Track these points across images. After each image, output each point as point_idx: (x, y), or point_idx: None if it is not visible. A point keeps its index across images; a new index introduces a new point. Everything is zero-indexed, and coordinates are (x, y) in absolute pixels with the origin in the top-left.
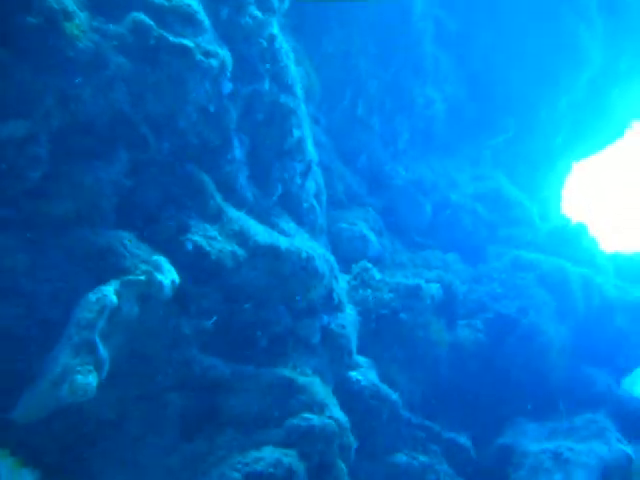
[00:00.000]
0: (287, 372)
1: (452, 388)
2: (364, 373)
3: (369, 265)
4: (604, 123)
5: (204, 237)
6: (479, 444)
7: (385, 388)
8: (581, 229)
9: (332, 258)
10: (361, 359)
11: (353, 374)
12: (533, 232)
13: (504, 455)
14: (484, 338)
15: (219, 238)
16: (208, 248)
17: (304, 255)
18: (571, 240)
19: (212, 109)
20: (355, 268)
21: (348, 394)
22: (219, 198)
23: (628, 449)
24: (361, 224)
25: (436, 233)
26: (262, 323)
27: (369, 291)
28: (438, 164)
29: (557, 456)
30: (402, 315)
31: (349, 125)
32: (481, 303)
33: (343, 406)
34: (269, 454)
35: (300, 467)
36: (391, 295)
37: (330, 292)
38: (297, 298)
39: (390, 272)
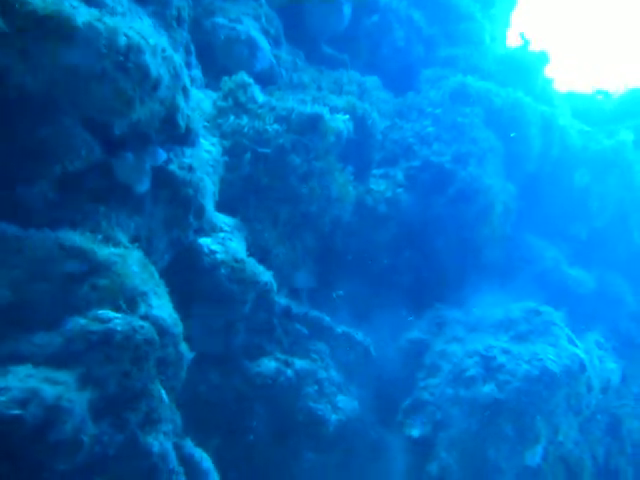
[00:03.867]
0: (80, 238)
1: (354, 263)
2: (224, 241)
3: (249, 80)
4: None
5: None
6: (385, 340)
7: (253, 264)
8: (541, 58)
9: (179, 58)
10: (222, 219)
11: (205, 242)
12: (481, 55)
13: (415, 355)
14: (405, 196)
15: None
16: None
17: (122, 42)
18: (528, 71)
19: None
20: (227, 82)
21: (194, 274)
22: None
23: (581, 352)
24: (249, 23)
25: (355, 46)
26: (41, 153)
27: (245, 119)
28: None
29: (487, 361)
30: (292, 157)
31: None
32: (406, 146)
33: (184, 294)
34: (19, 381)
35: (78, 402)
36: (278, 127)
37: (172, 112)
38: (111, 117)
39: (282, 95)
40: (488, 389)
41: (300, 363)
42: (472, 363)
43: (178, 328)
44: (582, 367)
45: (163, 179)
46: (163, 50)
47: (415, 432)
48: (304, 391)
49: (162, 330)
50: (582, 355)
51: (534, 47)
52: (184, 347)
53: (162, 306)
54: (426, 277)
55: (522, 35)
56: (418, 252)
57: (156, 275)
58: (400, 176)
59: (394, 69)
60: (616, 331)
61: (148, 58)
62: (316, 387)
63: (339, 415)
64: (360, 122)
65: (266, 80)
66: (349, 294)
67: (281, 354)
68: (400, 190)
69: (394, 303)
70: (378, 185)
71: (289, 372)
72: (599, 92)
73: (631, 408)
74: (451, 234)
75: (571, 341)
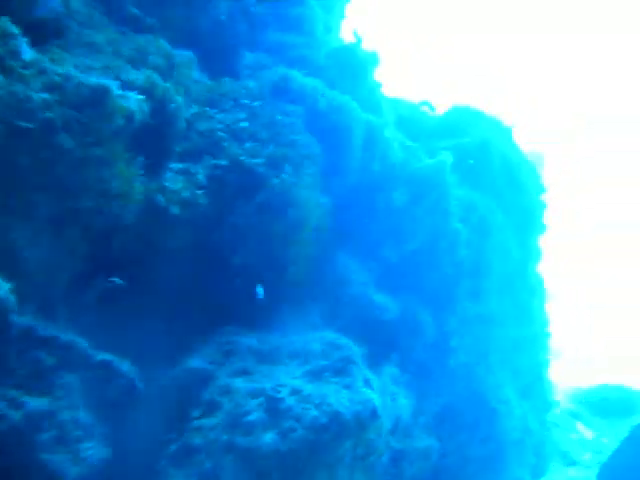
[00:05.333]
0: None
1: (135, 274)
2: None
3: (13, 30)
4: None
5: None
6: (160, 369)
7: None
8: (371, 59)
9: None
10: None
11: None
12: (312, 47)
13: (193, 388)
14: (206, 199)
15: None
16: None
17: None
18: (357, 71)
19: None
20: None
21: None
22: None
23: (375, 398)
24: None
25: (169, 11)
26: None
27: (1, 78)
28: None
29: (273, 403)
30: (63, 137)
31: None
32: (214, 141)
33: None
34: None
35: None
36: (47, 96)
37: None
38: None
39: (61, 55)
40: (269, 438)
41: (36, 403)
42: (255, 405)
43: None
44: (374, 414)
45: None
46: None
47: None
48: (38, 438)
49: None
50: (376, 401)
51: (366, 46)
52: None
53: None
54: (222, 295)
55: (355, 32)
56: (215, 265)
57: None
58: (202, 175)
59: (213, 47)
60: (413, 360)
61: None
62: (54, 432)
63: (82, 467)
64: (160, 105)
65: (50, 32)
66: (120, 312)
67: (13, 390)
68: (200, 192)
69: (179, 324)
70: (175, 183)
71: (17, 416)
72: (424, 103)
73: (414, 441)
74: (254, 248)
75: (367, 383)
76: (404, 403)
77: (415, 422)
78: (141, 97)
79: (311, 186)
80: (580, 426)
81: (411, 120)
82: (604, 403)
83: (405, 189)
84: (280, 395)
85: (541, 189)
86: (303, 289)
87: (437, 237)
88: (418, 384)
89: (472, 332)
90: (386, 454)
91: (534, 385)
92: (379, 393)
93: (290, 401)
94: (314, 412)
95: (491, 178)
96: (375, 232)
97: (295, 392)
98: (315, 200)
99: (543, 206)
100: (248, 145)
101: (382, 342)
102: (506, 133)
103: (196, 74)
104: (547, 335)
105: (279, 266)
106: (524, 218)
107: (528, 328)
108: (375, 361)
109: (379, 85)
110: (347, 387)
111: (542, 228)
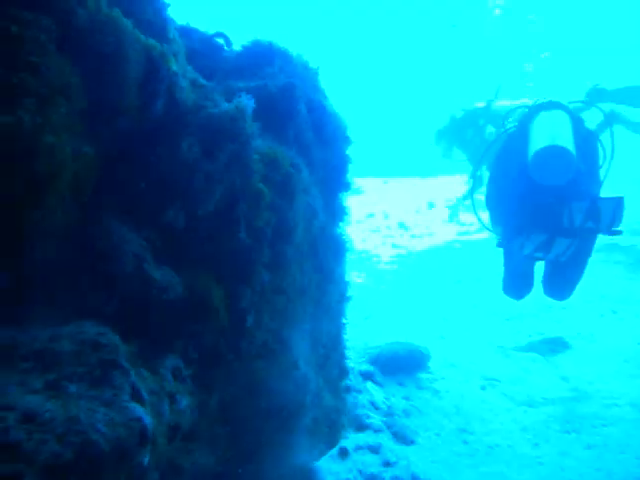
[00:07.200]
0: None
1: None
2: None
3: None
4: None
5: None
6: None
7: None
8: None
9: None
10: None
11: None
12: None
13: None
14: None
15: None
16: None
17: None
18: None
19: None
20: None
21: None
22: None
23: (145, 415)
24: None
25: None
26: None
27: None
28: None
29: None
30: None
31: None
32: None
33: None
34: None
35: None
36: None
37: None
38: None
39: None
40: None
41: None
42: None
43: None
44: (143, 438)
45: None
46: None
47: None
48: None
49: None
50: (146, 419)
51: None
52: None
53: None
54: None
55: None
56: None
57: None
58: None
59: None
60: (202, 347)
61: None
62: None
63: None
64: None
65: None
66: None
67: None
68: None
69: None
70: None
71: None
72: (220, 34)
73: (194, 447)
74: None
75: (136, 394)
76: (186, 403)
77: (200, 421)
78: None
79: (65, 130)
80: (370, 386)
81: (205, 54)
82: (393, 360)
83: (196, 139)
84: (4, 423)
85: (347, 141)
86: (54, 268)
87: (235, 199)
88: (207, 375)
89: (270, 307)
90: (160, 468)
91: (331, 353)
92: (155, 399)
93: (19, 433)
94: (54, 446)
95: (296, 128)
96: (156, 192)
97: (28, 417)
98: (71, 149)
99: (349, 160)
100: None
101: (163, 328)
102: (312, 76)
103: None
104: (347, 299)
105: (17, 239)
106: (330, 174)
107: (330, 295)
108: (153, 353)
109: (166, 5)
110: (108, 403)
111: (348, 185)
